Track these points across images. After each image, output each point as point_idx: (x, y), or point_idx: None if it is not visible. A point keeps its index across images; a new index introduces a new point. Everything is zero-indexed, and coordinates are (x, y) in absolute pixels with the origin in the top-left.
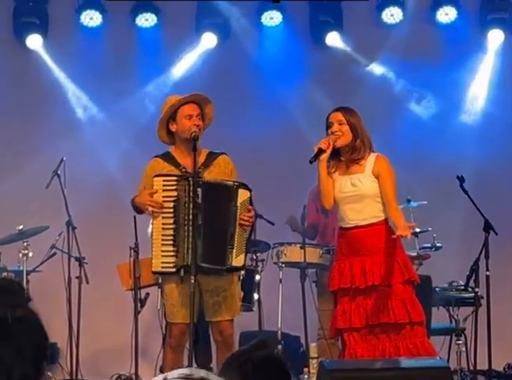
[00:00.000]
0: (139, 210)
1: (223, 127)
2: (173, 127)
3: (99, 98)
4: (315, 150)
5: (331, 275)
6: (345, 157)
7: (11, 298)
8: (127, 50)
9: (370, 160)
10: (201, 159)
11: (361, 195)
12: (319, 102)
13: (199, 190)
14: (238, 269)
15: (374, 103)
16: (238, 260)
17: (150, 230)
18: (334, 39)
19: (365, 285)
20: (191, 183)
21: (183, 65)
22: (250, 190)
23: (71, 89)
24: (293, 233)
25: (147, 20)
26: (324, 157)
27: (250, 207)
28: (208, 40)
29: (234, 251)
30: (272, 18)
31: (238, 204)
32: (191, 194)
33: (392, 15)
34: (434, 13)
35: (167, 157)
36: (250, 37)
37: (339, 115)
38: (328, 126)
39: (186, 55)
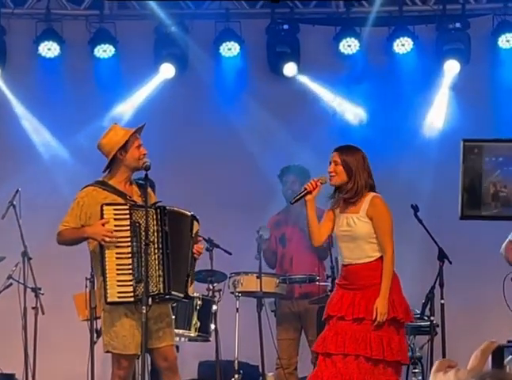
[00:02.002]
0: (73, 242)
1: (180, 158)
2: (121, 156)
3: (57, 129)
4: (302, 191)
5: (328, 302)
6: (343, 196)
7: None
8: (85, 81)
9: (366, 200)
10: (135, 188)
11: (353, 236)
12: (277, 133)
13: (165, 218)
14: (191, 298)
15: (328, 134)
16: (191, 289)
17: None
18: (291, 69)
19: (351, 317)
20: (158, 211)
21: (141, 95)
22: (199, 223)
23: (29, 120)
24: (251, 262)
25: (105, 51)
26: (310, 197)
27: (200, 237)
28: (166, 71)
29: (190, 279)
30: (230, 49)
31: (193, 235)
32: (159, 222)
33: (349, 45)
34: (391, 43)
35: (105, 186)
36: (207, 68)
37: (335, 156)
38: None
39: (144, 86)
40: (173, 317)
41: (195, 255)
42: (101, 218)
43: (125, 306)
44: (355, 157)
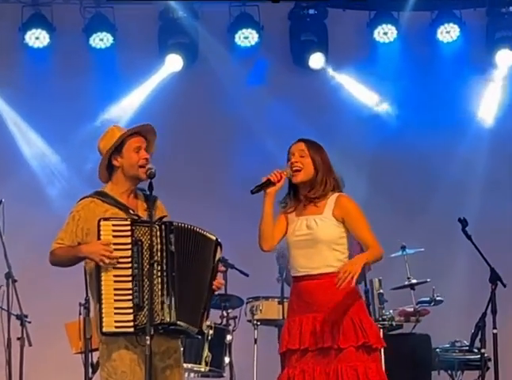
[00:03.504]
0: (68, 262)
1: (190, 162)
2: (116, 162)
3: (46, 131)
4: (263, 180)
5: (281, 335)
6: (303, 195)
7: None
8: (79, 74)
9: (330, 200)
10: (141, 201)
11: (314, 239)
12: (301, 134)
13: (171, 236)
14: (202, 334)
15: (363, 137)
16: (205, 324)
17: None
18: (317, 61)
19: (315, 347)
20: (162, 227)
21: (143, 91)
22: (222, 250)
23: (13, 121)
24: (271, 285)
25: (101, 40)
26: (271, 190)
27: (223, 268)
28: (173, 63)
29: (206, 313)
30: (246, 37)
31: (215, 263)
32: (163, 240)
33: (386, 33)
34: (434, 30)
35: (105, 197)
36: (220, 59)
37: (301, 146)
38: (288, 158)
39: (147, 80)
40: (181, 349)
41: (214, 288)
42: (98, 234)
43: (126, 338)
44: (323, 150)
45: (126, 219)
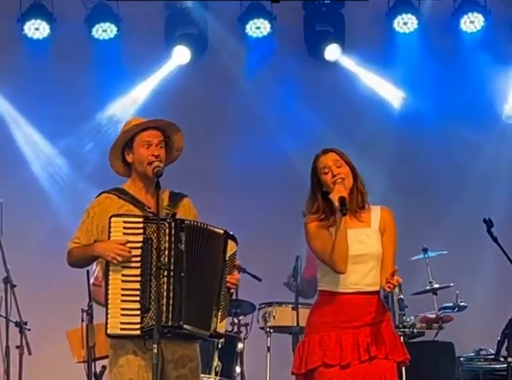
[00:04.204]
0: (84, 262)
1: (198, 160)
2: (128, 158)
3: (46, 127)
4: (337, 200)
5: (309, 349)
6: (353, 207)
7: None
8: (81, 67)
9: (375, 213)
10: (164, 199)
11: (369, 254)
12: (317, 129)
13: (182, 234)
14: (220, 337)
15: (383, 132)
16: (221, 325)
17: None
18: (333, 52)
19: (359, 360)
20: (172, 225)
21: (149, 85)
22: (237, 243)
23: (12, 116)
24: (285, 291)
25: (105, 31)
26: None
27: (238, 262)
28: (181, 55)
29: (220, 314)
30: (258, 28)
31: (227, 258)
32: (172, 238)
33: (406, 23)
34: (457, 20)
35: (122, 194)
36: (230, 51)
37: (334, 156)
38: (320, 171)
39: (153, 74)
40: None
41: (229, 287)
42: (109, 231)
43: (134, 342)
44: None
45: (138, 216)
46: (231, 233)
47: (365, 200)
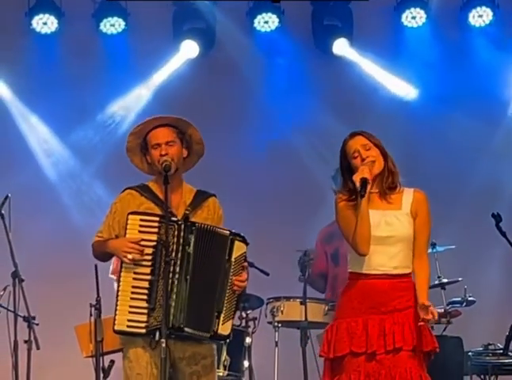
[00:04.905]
0: (103, 257)
1: (206, 156)
2: (148, 158)
3: (55, 121)
4: (359, 181)
5: (337, 336)
6: (377, 189)
7: None
8: (88, 62)
9: (407, 195)
10: (188, 198)
11: (397, 236)
12: (325, 124)
13: (191, 237)
14: (223, 338)
15: (391, 127)
16: (224, 327)
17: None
18: (341, 46)
19: (384, 350)
20: (182, 227)
21: (157, 80)
22: (247, 243)
23: (20, 111)
24: (293, 285)
25: (113, 25)
26: (369, 189)
27: (245, 263)
28: (189, 49)
29: (222, 316)
30: (266, 22)
31: (233, 259)
32: (180, 240)
33: (414, 17)
34: (465, 14)
35: (145, 191)
36: (238, 45)
37: (362, 139)
38: (350, 155)
39: (161, 68)
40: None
41: (235, 289)
42: (126, 228)
43: (143, 339)
44: (378, 138)
45: (156, 215)
46: (241, 234)
47: (397, 181)
